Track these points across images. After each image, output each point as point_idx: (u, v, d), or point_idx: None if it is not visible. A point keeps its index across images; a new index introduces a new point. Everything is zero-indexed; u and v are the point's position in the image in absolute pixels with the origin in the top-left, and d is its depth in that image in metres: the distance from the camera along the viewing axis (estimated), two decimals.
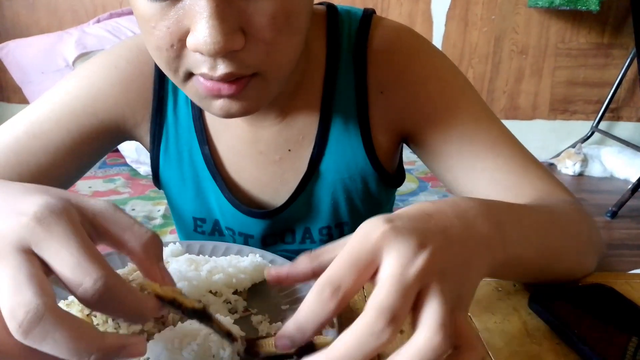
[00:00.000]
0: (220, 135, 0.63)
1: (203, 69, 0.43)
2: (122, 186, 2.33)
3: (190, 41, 0.41)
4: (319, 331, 0.31)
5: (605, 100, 2.72)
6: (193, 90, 0.47)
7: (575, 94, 2.83)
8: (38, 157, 0.58)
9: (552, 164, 2.70)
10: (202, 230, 0.68)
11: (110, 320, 0.38)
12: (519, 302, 0.49)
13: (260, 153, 0.62)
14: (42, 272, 0.29)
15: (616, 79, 2.68)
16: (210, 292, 0.45)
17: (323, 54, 0.60)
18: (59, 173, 0.59)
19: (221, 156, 0.63)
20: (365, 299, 0.41)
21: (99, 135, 0.60)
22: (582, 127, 2.83)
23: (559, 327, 0.45)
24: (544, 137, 2.83)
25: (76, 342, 0.27)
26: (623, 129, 2.87)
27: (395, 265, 0.30)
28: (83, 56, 2.33)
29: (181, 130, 0.63)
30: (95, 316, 0.38)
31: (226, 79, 0.44)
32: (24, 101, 2.58)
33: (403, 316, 0.29)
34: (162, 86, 0.62)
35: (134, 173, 2.44)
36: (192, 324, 0.39)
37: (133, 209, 2.09)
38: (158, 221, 2.01)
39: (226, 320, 0.40)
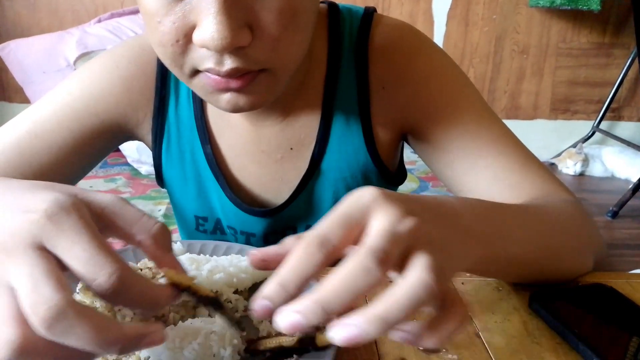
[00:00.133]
0: (222, 134, 0.63)
1: (209, 64, 0.43)
2: (123, 186, 2.33)
3: (196, 37, 0.42)
4: (302, 289, 0.29)
5: (606, 100, 2.71)
6: (200, 86, 0.47)
7: (577, 94, 2.83)
8: (40, 156, 0.58)
9: (553, 164, 2.69)
10: (203, 228, 0.68)
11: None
12: (520, 301, 0.49)
13: (262, 152, 0.62)
14: (57, 267, 0.29)
15: (617, 79, 2.67)
16: (211, 291, 0.45)
17: (324, 52, 0.60)
18: (62, 173, 0.59)
19: (223, 155, 0.63)
20: (366, 301, 0.41)
21: (101, 134, 0.61)
22: (583, 126, 2.83)
23: (560, 327, 0.45)
24: (545, 137, 2.83)
25: (98, 334, 0.28)
26: (624, 128, 2.86)
27: (385, 221, 0.30)
28: (84, 56, 2.34)
29: (183, 129, 0.63)
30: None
31: (233, 74, 0.44)
32: (26, 101, 2.58)
33: (392, 258, 0.29)
34: (164, 85, 0.62)
35: (135, 173, 2.44)
36: (193, 323, 0.40)
37: None
38: None
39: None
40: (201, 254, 0.50)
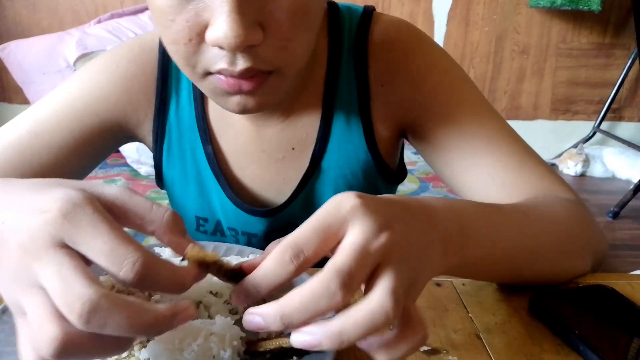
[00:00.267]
0: (223, 135, 0.63)
1: (222, 64, 0.43)
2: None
3: (210, 35, 0.42)
4: (273, 292, 0.32)
5: (606, 101, 2.71)
6: (210, 87, 0.47)
7: (577, 94, 2.83)
8: (41, 156, 0.58)
9: (553, 165, 2.69)
10: (204, 229, 0.68)
11: None
12: (520, 303, 0.49)
13: (264, 152, 0.62)
14: (83, 263, 0.30)
15: (618, 79, 2.67)
16: (211, 292, 0.45)
17: (325, 51, 0.60)
18: (62, 173, 0.59)
19: (224, 155, 0.63)
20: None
21: (102, 134, 0.61)
22: (584, 127, 2.83)
23: (560, 328, 0.44)
24: (546, 138, 2.83)
25: (134, 320, 0.29)
26: (625, 129, 2.86)
27: (359, 237, 0.31)
28: (84, 57, 2.34)
29: (184, 130, 0.63)
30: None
31: (246, 74, 0.44)
32: (26, 102, 2.58)
33: (357, 282, 0.30)
34: (165, 86, 0.62)
35: (135, 173, 2.44)
36: (193, 324, 0.39)
37: None
38: None
39: (227, 321, 0.40)
40: None
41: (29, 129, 0.58)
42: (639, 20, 2.09)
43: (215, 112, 0.62)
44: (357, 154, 0.61)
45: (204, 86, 0.48)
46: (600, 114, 2.74)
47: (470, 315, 0.47)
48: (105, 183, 0.35)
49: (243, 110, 0.48)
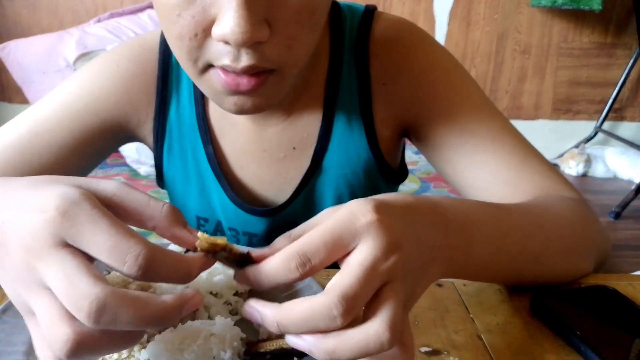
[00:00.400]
0: (224, 135, 0.63)
1: (225, 60, 0.43)
2: None
3: (216, 30, 0.41)
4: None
5: (608, 100, 2.71)
6: (208, 84, 0.47)
7: (579, 94, 2.82)
8: (41, 155, 0.58)
9: (555, 165, 2.69)
10: (204, 229, 0.68)
11: None
12: (521, 303, 0.49)
13: (265, 151, 0.62)
14: (86, 260, 0.30)
15: (619, 79, 2.67)
16: (211, 293, 0.45)
17: (326, 50, 0.60)
18: (62, 172, 0.59)
19: (225, 155, 0.63)
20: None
21: (102, 134, 0.60)
22: (586, 127, 2.83)
23: (561, 329, 0.44)
24: (547, 137, 2.82)
25: (143, 314, 0.29)
26: (626, 129, 2.86)
27: (369, 257, 0.31)
28: (84, 56, 2.34)
29: (184, 130, 0.63)
30: None
31: (248, 71, 0.44)
32: (26, 101, 2.58)
33: (360, 305, 0.31)
34: (165, 85, 0.62)
35: (134, 173, 2.44)
36: (193, 325, 0.39)
37: None
38: None
39: (227, 322, 0.40)
40: None
41: (29, 129, 0.58)
42: None
43: (216, 111, 0.62)
44: (359, 153, 0.61)
45: (202, 83, 0.48)
46: (602, 114, 2.74)
47: (471, 315, 0.47)
48: (103, 180, 0.35)
49: (240, 111, 0.48)
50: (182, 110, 0.62)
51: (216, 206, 0.65)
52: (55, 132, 0.58)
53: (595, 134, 2.78)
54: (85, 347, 0.29)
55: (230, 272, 0.46)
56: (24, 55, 2.39)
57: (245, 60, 0.43)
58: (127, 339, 0.31)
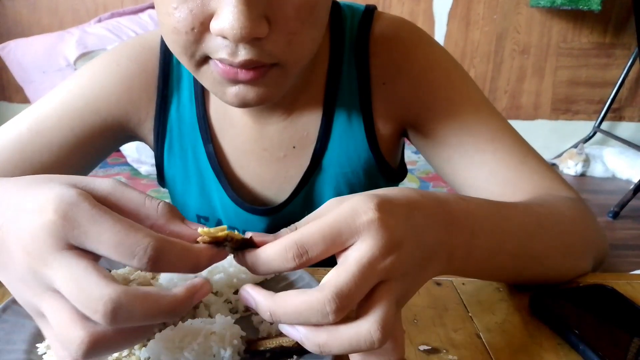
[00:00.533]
0: (224, 134, 0.63)
1: (222, 54, 0.43)
2: None
3: (215, 25, 0.41)
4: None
5: (607, 100, 2.71)
6: (207, 75, 0.47)
7: (577, 94, 2.82)
8: (41, 154, 0.58)
9: (554, 164, 2.69)
10: None
11: None
12: (520, 302, 0.49)
13: (265, 150, 0.62)
14: (93, 260, 0.30)
15: (618, 79, 2.67)
16: (211, 292, 0.45)
17: (326, 50, 0.60)
18: (63, 171, 0.59)
19: (225, 154, 0.63)
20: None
21: (103, 133, 0.61)
22: (584, 127, 2.83)
23: (560, 328, 0.44)
24: (546, 137, 2.82)
25: (156, 308, 0.30)
26: (625, 129, 2.86)
27: (367, 255, 0.31)
28: (84, 56, 2.33)
29: (185, 129, 0.63)
30: None
31: (246, 65, 0.44)
32: (26, 101, 2.58)
33: (354, 303, 0.31)
34: (166, 84, 0.62)
35: (135, 172, 2.44)
36: (193, 324, 0.39)
37: None
38: None
39: (227, 320, 0.40)
40: None
41: (30, 128, 0.58)
42: (639, 20, 2.09)
43: (217, 110, 0.62)
44: (358, 152, 0.61)
45: (201, 75, 0.47)
46: (600, 114, 2.74)
47: (470, 314, 0.47)
48: (98, 178, 0.35)
49: (242, 103, 0.47)
50: (182, 109, 0.62)
51: (216, 205, 0.66)
52: (56, 131, 0.58)
53: (594, 133, 2.78)
54: (100, 346, 0.30)
55: (230, 271, 0.46)
56: (25, 54, 2.39)
57: (242, 54, 0.43)
58: (140, 332, 0.32)
